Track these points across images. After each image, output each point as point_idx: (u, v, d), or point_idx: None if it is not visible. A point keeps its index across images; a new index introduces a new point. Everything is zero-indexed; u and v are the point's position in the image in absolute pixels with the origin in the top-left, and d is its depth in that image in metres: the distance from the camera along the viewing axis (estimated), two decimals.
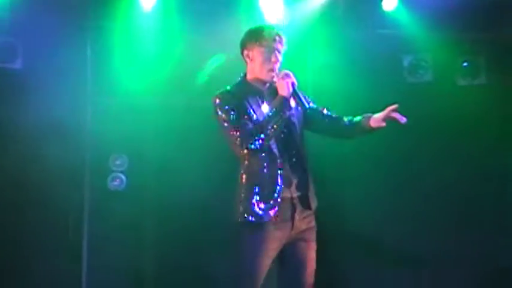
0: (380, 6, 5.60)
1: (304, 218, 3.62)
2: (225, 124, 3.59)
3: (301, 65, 5.61)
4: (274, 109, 3.53)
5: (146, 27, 5.71)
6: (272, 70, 3.64)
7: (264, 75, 3.67)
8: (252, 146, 3.53)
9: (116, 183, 5.91)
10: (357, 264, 5.75)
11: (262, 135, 3.50)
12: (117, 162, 5.92)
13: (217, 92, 3.67)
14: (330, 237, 5.51)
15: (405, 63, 5.74)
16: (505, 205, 5.71)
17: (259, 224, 3.53)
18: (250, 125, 3.54)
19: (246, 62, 3.73)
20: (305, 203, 3.63)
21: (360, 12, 5.64)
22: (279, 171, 3.57)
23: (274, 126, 3.50)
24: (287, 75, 3.57)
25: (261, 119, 3.55)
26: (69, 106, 5.69)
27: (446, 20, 5.49)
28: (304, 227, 3.62)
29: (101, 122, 5.78)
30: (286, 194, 3.57)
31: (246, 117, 3.56)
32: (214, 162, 5.75)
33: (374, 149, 5.64)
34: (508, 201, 5.70)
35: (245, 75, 3.74)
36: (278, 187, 3.55)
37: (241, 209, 3.57)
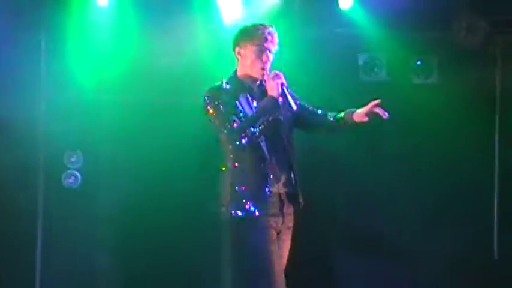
0: (336, 5, 5.64)
1: (289, 215, 3.67)
2: (214, 120, 3.63)
3: None
4: (263, 109, 3.57)
5: (101, 23, 5.66)
6: (263, 69, 3.66)
7: (255, 73, 3.69)
8: (239, 143, 3.54)
9: (70, 180, 5.83)
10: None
11: (249, 133, 3.52)
12: (72, 160, 5.85)
13: (208, 87, 3.70)
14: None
15: (360, 61, 5.79)
16: (458, 197, 5.82)
17: (254, 218, 3.55)
18: (239, 122, 3.55)
19: (237, 59, 3.75)
20: (292, 199, 3.68)
21: (316, 11, 5.67)
22: (267, 168, 3.60)
23: (262, 125, 3.53)
24: (277, 75, 3.60)
25: (249, 116, 3.58)
26: (22, 102, 5.61)
27: (401, 19, 5.56)
28: (289, 224, 3.69)
29: (55, 118, 5.70)
30: (275, 190, 3.60)
31: (235, 114, 3.58)
32: (171, 159, 5.73)
33: (331, 148, 5.69)
34: (460, 194, 5.80)
35: (235, 71, 3.76)
36: (267, 183, 3.58)
37: (231, 205, 3.59)
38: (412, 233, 5.79)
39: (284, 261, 3.70)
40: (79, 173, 5.83)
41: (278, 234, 3.66)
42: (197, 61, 5.58)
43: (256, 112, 3.59)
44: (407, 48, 5.78)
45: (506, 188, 5.77)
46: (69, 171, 5.82)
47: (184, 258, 5.79)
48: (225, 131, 3.57)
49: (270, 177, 3.59)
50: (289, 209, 3.67)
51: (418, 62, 5.83)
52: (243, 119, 3.58)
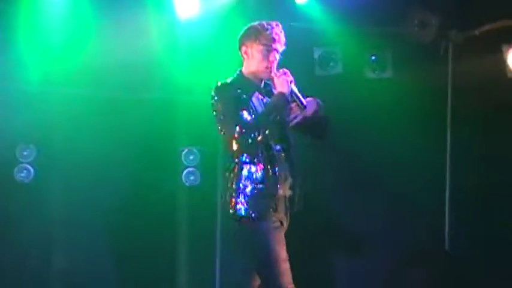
0: (292, 0, 5.66)
1: (288, 217, 3.65)
2: (222, 116, 3.56)
3: (213, 57, 5.62)
4: (274, 106, 3.54)
5: (52, 14, 5.54)
6: (269, 68, 3.63)
7: (261, 73, 3.67)
8: (249, 140, 3.49)
9: (22, 174, 5.72)
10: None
11: (259, 130, 3.48)
12: (25, 153, 5.73)
13: (217, 83, 3.64)
14: None
15: (316, 56, 5.82)
16: (411, 190, 5.91)
17: (263, 219, 3.51)
18: (248, 119, 3.50)
19: (243, 58, 3.71)
20: (293, 202, 3.65)
21: (272, 5, 5.68)
22: (276, 167, 3.57)
23: (270, 122, 3.50)
24: (285, 73, 3.59)
25: (260, 113, 3.54)
26: None
27: (356, 14, 5.61)
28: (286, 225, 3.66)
29: (7, 110, 5.57)
30: (281, 192, 3.57)
31: (244, 110, 3.53)
32: (123, 153, 5.68)
33: None
34: (413, 187, 5.89)
35: (241, 70, 3.72)
36: (276, 183, 3.55)
37: (239, 206, 3.53)
38: (366, 226, 5.86)
39: None
40: (31, 167, 5.72)
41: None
42: (150, 56, 5.53)
43: (266, 109, 3.54)
44: (362, 43, 5.84)
45: (457, 181, 5.87)
46: (21, 165, 5.71)
47: (139, 255, 5.74)
48: (235, 128, 3.48)
49: (278, 178, 3.55)
50: (290, 211, 3.65)
51: (373, 57, 5.89)
52: (252, 116, 3.52)
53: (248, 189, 3.53)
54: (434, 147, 5.94)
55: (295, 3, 5.68)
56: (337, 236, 5.93)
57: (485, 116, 5.53)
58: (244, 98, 3.57)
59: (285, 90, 3.56)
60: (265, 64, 3.63)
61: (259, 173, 3.54)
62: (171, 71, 5.64)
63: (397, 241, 5.81)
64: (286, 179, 3.59)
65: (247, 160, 3.57)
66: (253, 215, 3.52)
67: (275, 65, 3.64)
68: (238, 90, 3.58)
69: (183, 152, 5.81)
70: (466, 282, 5.56)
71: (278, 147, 3.61)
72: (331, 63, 5.82)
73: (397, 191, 5.90)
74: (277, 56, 3.66)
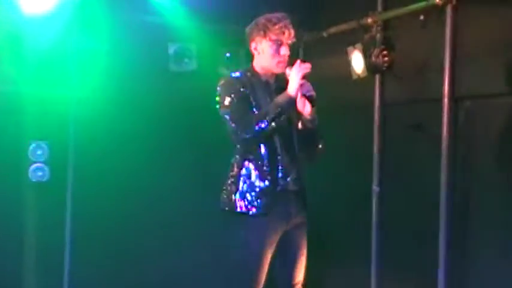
0: None
1: (298, 213, 3.65)
2: (225, 110, 3.53)
3: (63, 48, 5.46)
4: (279, 106, 3.45)
5: None
6: (281, 62, 3.57)
7: (274, 68, 3.60)
8: (247, 136, 3.45)
9: None
10: None
11: (260, 128, 3.42)
12: None
13: (224, 76, 3.63)
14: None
15: (171, 51, 5.80)
16: None
17: (258, 216, 3.51)
18: (251, 115, 3.46)
19: (252, 54, 3.64)
20: (300, 197, 3.65)
21: None
22: (278, 164, 3.54)
23: (273, 123, 3.44)
24: (306, 67, 3.49)
25: (263, 111, 3.48)
26: None
27: (212, 11, 5.64)
28: (299, 221, 3.67)
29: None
30: (284, 187, 3.56)
31: (248, 106, 3.50)
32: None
33: (138, 136, 5.66)
34: None
35: (252, 65, 3.66)
36: (277, 180, 3.53)
37: (237, 200, 3.53)
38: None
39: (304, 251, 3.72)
40: None
41: (286, 233, 3.64)
42: None
43: (271, 108, 3.47)
44: (217, 40, 5.90)
45: None
46: None
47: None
48: (236, 123, 3.47)
49: (281, 174, 3.55)
50: (297, 207, 3.65)
51: (227, 54, 5.96)
52: (255, 113, 3.49)
53: (247, 185, 3.53)
54: None
55: None
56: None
57: (330, 116, 5.76)
58: (247, 95, 3.54)
59: (294, 92, 3.49)
60: (276, 59, 3.59)
61: (260, 170, 3.54)
62: (17, 64, 5.40)
63: None
64: (289, 174, 3.59)
65: (248, 157, 3.57)
66: (251, 212, 3.52)
67: (287, 58, 3.60)
68: (243, 88, 3.55)
69: (30, 147, 5.58)
70: None
71: (278, 144, 3.60)
72: (186, 60, 5.82)
73: None
74: (288, 50, 3.61)
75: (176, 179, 5.84)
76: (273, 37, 3.58)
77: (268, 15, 3.67)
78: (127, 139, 5.62)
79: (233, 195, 3.60)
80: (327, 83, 4.60)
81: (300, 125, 3.67)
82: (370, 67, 5.14)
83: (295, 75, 3.51)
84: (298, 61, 3.58)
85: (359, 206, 5.48)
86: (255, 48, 3.66)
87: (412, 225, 4.98)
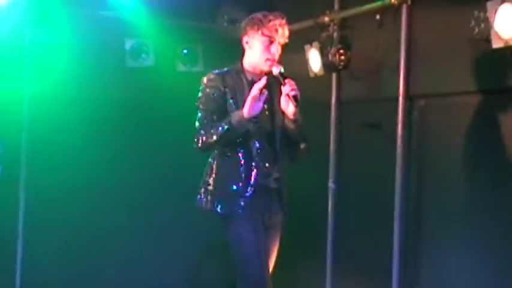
0: None
1: (278, 211, 3.66)
2: (198, 110, 3.61)
3: (19, 43, 5.36)
4: (227, 125, 3.47)
5: None
6: (270, 60, 3.54)
7: (262, 65, 3.57)
8: (196, 148, 3.53)
9: None
10: None
11: (207, 144, 3.49)
12: None
13: (208, 72, 3.61)
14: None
15: (127, 47, 5.76)
16: None
17: (237, 214, 3.51)
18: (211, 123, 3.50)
19: (244, 47, 3.61)
20: (280, 196, 3.65)
21: None
22: (256, 164, 3.53)
23: (222, 140, 3.48)
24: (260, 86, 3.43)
25: (215, 126, 3.50)
26: None
27: (169, 7, 5.62)
28: (277, 219, 3.69)
29: None
30: (264, 186, 3.56)
31: (218, 108, 3.52)
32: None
33: (93, 132, 5.60)
34: None
35: (241, 60, 3.64)
36: (255, 180, 3.52)
37: (215, 201, 3.55)
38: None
39: (271, 259, 3.71)
40: None
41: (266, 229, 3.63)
42: None
43: (221, 125, 3.49)
44: (175, 36, 5.87)
45: None
46: None
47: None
48: (198, 128, 3.57)
49: (258, 173, 3.53)
50: (277, 205, 3.65)
51: (185, 50, 5.94)
52: (216, 123, 3.50)
53: (225, 185, 3.54)
54: None
55: None
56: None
57: None
58: (224, 94, 3.55)
59: (249, 113, 3.46)
60: (266, 56, 3.56)
61: (236, 170, 3.53)
62: None
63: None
64: (270, 174, 3.58)
65: (225, 155, 3.57)
66: (225, 211, 3.54)
67: (277, 57, 3.58)
68: (222, 87, 3.55)
69: None
70: None
71: (258, 144, 3.58)
72: (143, 55, 5.78)
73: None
74: (279, 49, 3.59)
75: (132, 174, 5.80)
76: (266, 32, 3.57)
77: (266, 13, 3.67)
78: (82, 135, 5.54)
79: (209, 196, 3.62)
80: None
81: (283, 125, 3.67)
82: (327, 65, 5.18)
83: (253, 92, 3.48)
84: (264, 79, 3.53)
85: (315, 202, 5.53)
86: (247, 42, 3.65)
87: (368, 221, 5.05)
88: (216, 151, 3.65)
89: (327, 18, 5.21)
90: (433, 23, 4.59)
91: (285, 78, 3.54)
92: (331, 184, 5.40)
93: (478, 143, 4.28)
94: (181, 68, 5.99)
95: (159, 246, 5.83)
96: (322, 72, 5.31)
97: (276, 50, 3.59)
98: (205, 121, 3.56)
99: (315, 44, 5.31)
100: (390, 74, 4.85)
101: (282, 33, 3.60)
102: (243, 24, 3.69)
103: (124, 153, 5.77)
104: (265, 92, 3.49)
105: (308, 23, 5.38)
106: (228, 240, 3.62)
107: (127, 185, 5.78)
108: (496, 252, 4.07)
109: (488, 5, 3.94)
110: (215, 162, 3.64)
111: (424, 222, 4.66)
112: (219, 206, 3.58)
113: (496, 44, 3.94)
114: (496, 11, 3.86)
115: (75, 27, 5.48)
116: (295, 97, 3.52)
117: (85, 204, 5.59)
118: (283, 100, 3.58)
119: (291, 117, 3.60)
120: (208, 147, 3.55)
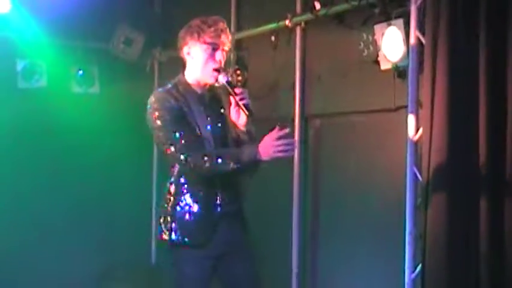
0: None
1: (234, 231, 3.33)
2: (159, 132, 3.16)
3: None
4: (239, 162, 3.13)
5: None
6: (216, 70, 3.22)
7: (207, 77, 3.24)
8: (183, 157, 3.13)
9: None
10: None
11: (221, 170, 3.14)
12: None
13: (156, 90, 3.22)
14: None
15: (19, 68, 5.60)
16: (116, 203, 6.00)
17: (197, 247, 3.22)
18: (193, 139, 3.16)
19: (185, 60, 3.26)
20: (239, 217, 3.37)
21: None
22: (216, 187, 3.25)
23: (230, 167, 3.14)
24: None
25: (228, 154, 3.16)
26: None
27: (64, 27, 5.52)
28: (236, 239, 3.35)
29: None
30: (222, 210, 3.27)
31: (187, 126, 3.17)
32: None
33: None
34: (119, 198, 6.00)
35: (183, 75, 3.28)
36: (215, 203, 3.26)
37: (172, 227, 3.23)
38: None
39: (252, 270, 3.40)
40: None
41: (223, 258, 3.31)
42: None
43: (236, 156, 3.14)
44: (69, 57, 5.78)
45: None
46: None
47: None
48: (172, 148, 3.14)
49: (221, 196, 3.26)
50: (233, 227, 3.32)
51: (80, 71, 5.85)
52: (198, 137, 3.18)
53: (183, 215, 3.23)
54: (140, 162, 6.08)
55: None
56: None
57: None
58: (183, 112, 3.20)
59: (264, 158, 3.11)
60: (211, 66, 3.23)
61: (197, 196, 3.23)
62: None
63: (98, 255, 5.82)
64: (227, 195, 3.29)
65: (185, 181, 3.25)
66: (184, 241, 3.23)
67: (222, 65, 3.26)
68: (177, 103, 3.19)
69: None
70: None
71: None
72: (36, 76, 5.64)
73: (107, 207, 5.93)
74: (225, 56, 3.28)
75: (30, 197, 5.62)
76: (208, 40, 3.24)
77: (204, 18, 3.31)
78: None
79: (168, 224, 3.27)
80: None
81: (237, 138, 3.36)
82: None
83: (272, 145, 3.16)
84: (277, 128, 3.20)
85: None
86: (188, 53, 3.29)
87: (267, 241, 5.10)
88: (172, 177, 3.32)
89: None
90: (325, 44, 4.72)
91: (233, 87, 3.28)
92: None
93: (369, 160, 4.43)
94: (76, 89, 5.88)
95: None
96: None
97: (221, 57, 3.27)
98: (183, 141, 3.17)
99: None
100: (286, 94, 4.95)
101: (225, 38, 3.28)
102: (181, 33, 3.32)
103: (17, 173, 5.58)
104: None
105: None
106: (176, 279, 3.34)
107: (26, 204, 5.61)
108: (384, 264, 4.22)
109: (376, 28, 4.10)
110: (172, 191, 3.32)
111: (321, 242, 4.79)
112: (178, 237, 3.27)
113: (384, 66, 4.11)
114: (383, 34, 4.02)
115: None
116: (246, 106, 3.27)
117: None
118: (233, 111, 3.32)
119: (243, 128, 3.35)
120: (217, 172, 3.20)
